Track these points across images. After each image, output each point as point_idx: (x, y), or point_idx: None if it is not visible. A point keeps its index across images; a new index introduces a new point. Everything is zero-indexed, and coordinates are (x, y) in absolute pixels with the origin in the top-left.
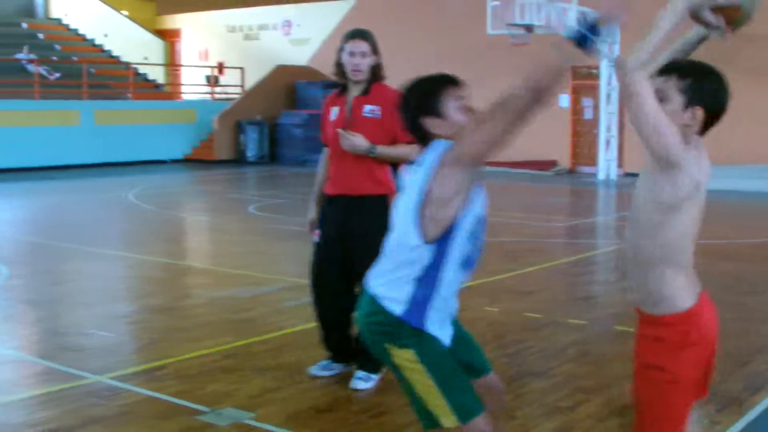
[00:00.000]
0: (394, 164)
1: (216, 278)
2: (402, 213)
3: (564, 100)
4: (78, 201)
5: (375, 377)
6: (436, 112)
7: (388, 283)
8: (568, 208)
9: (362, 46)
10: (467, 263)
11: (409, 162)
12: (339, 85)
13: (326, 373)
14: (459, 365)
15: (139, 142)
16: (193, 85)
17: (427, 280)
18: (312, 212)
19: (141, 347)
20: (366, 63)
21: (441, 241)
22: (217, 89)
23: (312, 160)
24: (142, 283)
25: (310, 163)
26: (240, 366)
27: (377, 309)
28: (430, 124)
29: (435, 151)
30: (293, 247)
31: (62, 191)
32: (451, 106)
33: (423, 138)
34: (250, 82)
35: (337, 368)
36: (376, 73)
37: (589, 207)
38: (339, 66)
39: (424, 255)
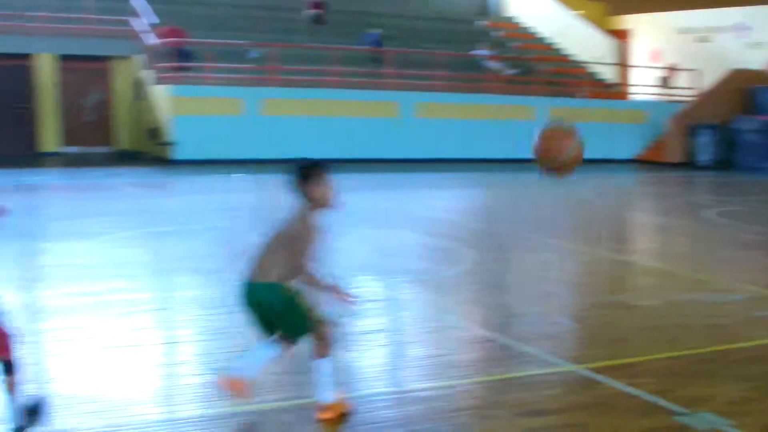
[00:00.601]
0: None
1: (675, 281)
2: None
3: None
4: (530, 193)
5: None
6: None
7: None
8: None
9: None
10: None
11: None
12: None
13: None
14: None
15: (590, 140)
16: (643, 86)
17: None
18: None
19: (611, 342)
20: None
21: None
22: (668, 91)
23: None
24: (599, 278)
25: (766, 171)
26: (716, 372)
27: None
28: None
29: None
30: (758, 256)
31: (515, 184)
32: None
33: None
34: (703, 85)
35: None
36: None
37: None
38: None
39: None
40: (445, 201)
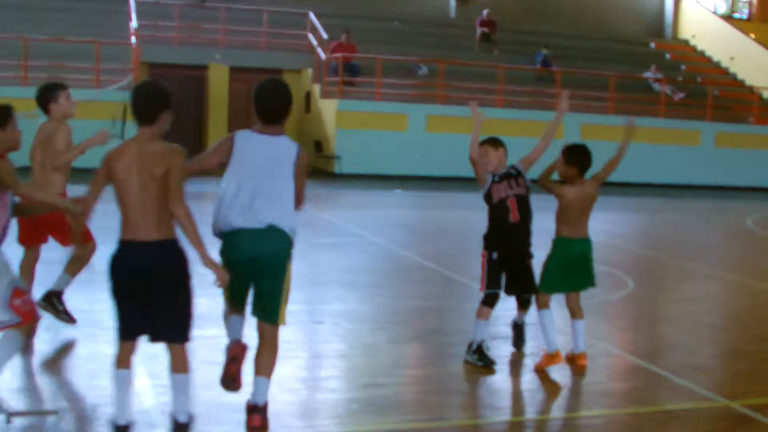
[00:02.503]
0: None
1: None
2: None
3: None
4: (694, 221)
5: None
6: None
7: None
8: None
9: None
10: None
11: None
12: None
13: None
14: None
15: (760, 168)
16: None
17: None
18: None
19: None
20: None
21: None
22: None
23: None
24: (762, 311)
25: None
26: None
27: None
28: None
29: None
30: None
31: (678, 210)
32: None
33: None
34: None
35: None
36: None
37: None
38: None
39: None
40: (605, 224)
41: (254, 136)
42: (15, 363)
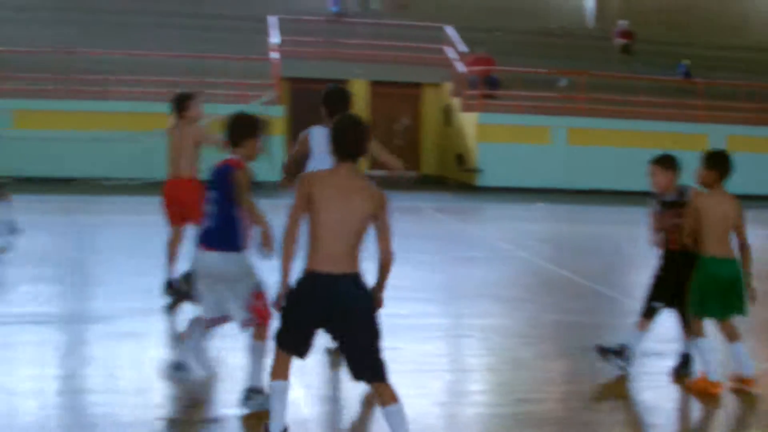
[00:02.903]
0: None
1: None
2: None
3: None
4: None
5: None
6: None
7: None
8: None
9: None
10: None
11: None
12: None
13: None
14: None
15: None
16: None
17: None
18: None
19: None
20: None
21: None
22: None
23: None
24: None
25: None
26: None
27: None
28: None
29: None
30: None
31: None
32: None
33: None
34: None
35: None
36: None
37: None
38: None
39: None
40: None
41: None
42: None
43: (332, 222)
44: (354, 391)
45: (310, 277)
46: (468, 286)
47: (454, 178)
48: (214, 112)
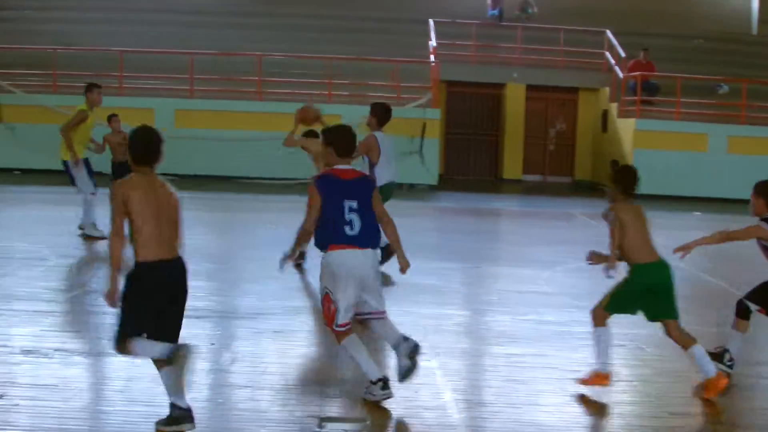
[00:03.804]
0: None
1: None
2: None
3: None
4: None
5: None
6: None
7: None
8: None
9: None
10: None
11: None
12: None
13: None
14: None
15: None
16: None
17: None
18: None
19: None
20: None
21: None
22: None
23: None
24: None
25: None
26: None
27: None
28: None
29: None
30: None
31: None
32: None
33: None
34: None
35: None
36: None
37: None
38: None
39: None
40: None
41: None
42: (331, 370)
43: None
44: (503, 396)
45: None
46: None
47: (608, 185)
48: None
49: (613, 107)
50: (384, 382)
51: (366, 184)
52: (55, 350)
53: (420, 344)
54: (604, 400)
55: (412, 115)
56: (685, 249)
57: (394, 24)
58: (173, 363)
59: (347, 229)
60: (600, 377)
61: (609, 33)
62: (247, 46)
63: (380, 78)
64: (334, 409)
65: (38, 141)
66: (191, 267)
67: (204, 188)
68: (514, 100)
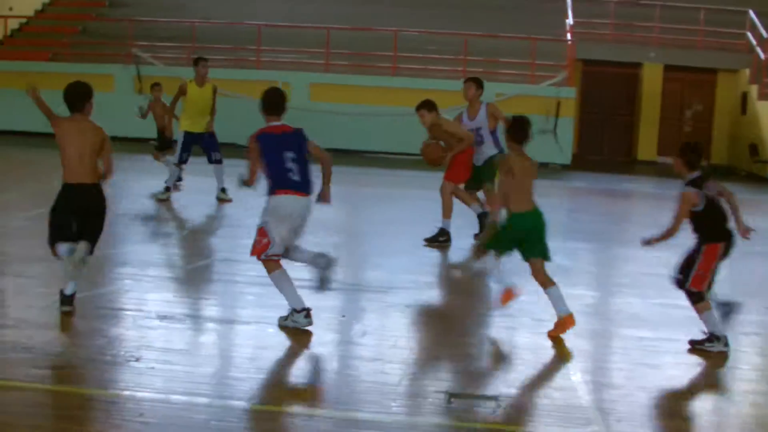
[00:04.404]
0: None
1: None
2: None
3: None
4: None
5: None
6: None
7: None
8: None
9: None
10: None
11: None
12: None
13: None
14: None
15: None
16: None
17: None
18: None
19: None
20: None
21: None
22: None
23: None
24: None
25: None
26: None
27: None
28: None
29: None
30: None
31: None
32: None
33: None
34: None
35: None
36: None
37: None
38: None
39: None
40: None
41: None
42: (461, 346)
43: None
44: (634, 380)
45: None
46: (752, 281)
47: (745, 169)
48: (505, 92)
49: (753, 89)
50: (307, 312)
51: (299, 136)
52: (187, 316)
53: (333, 258)
54: (730, 387)
55: (546, 94)
56: (647, 243)
57: (531, 1)
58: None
59: (291, 175)
60: (507, 293)
61: (751, 12)
62: (382, 22)
63: (514, 56)
64: (463, 384)
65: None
66: (323, 240)
67: (336, 162)
68: (651, 80)
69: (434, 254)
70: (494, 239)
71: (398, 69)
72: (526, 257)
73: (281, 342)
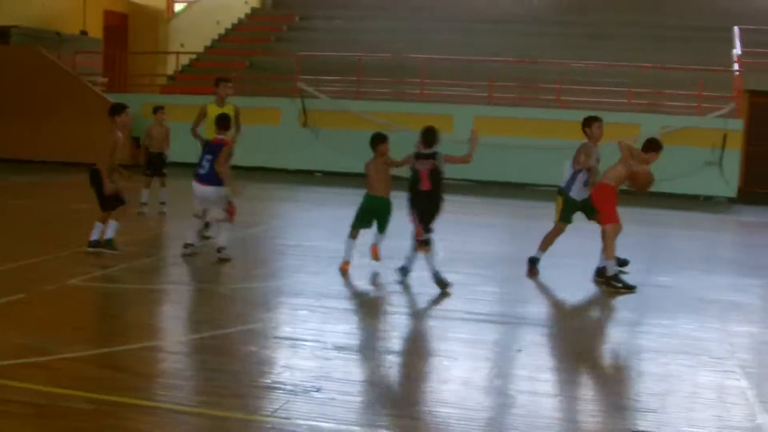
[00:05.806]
0: None
1: None
2: None
3: None
4: None
5: None
6: None
7: None
8: None
9: None
10: None
11: None
12: None
13: None
14: None
15: None
16: None
17: None
18: None
19: None
20: None
21: None
22: None
23: None
24: None
25: None
26: None
27: None
28: None
29: None
30: None
31: None
32: None
33: None
34: None
35: None
36: None
37: None
38: None
39: None
40: None
41: None
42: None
43: None
44: None
45: None
46: None
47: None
48: (668, 125)
49: None
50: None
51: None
52: (365, 347)
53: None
54: None
55: (712, 125)
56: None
57: (697, 32)
58: None
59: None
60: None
61: None
62: (546, 54)
63: (680, 87)
64: (647, 423)
65: (340, 144)
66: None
67: (495, 194)
68: None
69: (600, 290)
70: (356, 218)
71: (563, 101)
72: (380, 230)
73: (461, 376)
